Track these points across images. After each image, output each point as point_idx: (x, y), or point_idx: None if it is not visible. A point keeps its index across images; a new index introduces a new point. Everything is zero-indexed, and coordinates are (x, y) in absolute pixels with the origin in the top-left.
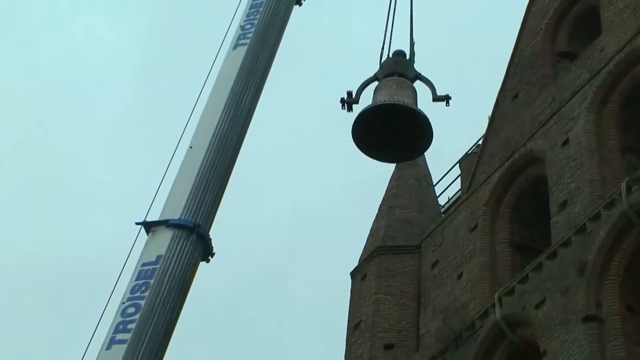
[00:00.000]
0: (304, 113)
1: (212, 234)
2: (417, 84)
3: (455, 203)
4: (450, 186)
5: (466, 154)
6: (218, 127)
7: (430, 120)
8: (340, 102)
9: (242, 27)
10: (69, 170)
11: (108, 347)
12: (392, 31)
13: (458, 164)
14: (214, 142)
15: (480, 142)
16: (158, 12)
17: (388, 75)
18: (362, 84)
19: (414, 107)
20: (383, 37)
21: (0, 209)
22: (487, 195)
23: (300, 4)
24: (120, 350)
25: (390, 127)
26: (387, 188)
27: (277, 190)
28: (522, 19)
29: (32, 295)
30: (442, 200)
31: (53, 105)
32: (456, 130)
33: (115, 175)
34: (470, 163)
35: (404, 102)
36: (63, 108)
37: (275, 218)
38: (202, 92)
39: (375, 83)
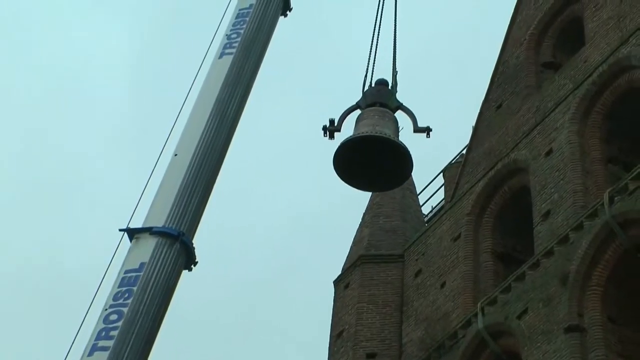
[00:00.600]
0: (298, 118)
1: (199, 241)
2: (399, 114)
3: (439, 212)
4: (434, 195)
5: (450, 163)
6: (203, 136)
7: (410, 152)
8: (323, 129)
9: (228, 36)
10: (70, 172)
11: (90, 354)
12: (375, 58)
13: (442, 174)
14: (199, 151)
15: (464, 151)
16: (158, 13)
17: (370, 105)
18: (344, 112)
19: (395, 139)
20: (367, 64)
21: (1, 210)
22: (471, 204)
23: (285, 15)
24: (102, 357)
25: (371, 157)
26: (370, 197)
27: (272, 195)
28: (506, 29)
29: (32, 296)
30: (425, 210)
31: (54, 106)
32: (440, 139)
33: (116, 176)
34: (454, 172)
35: (385, 134)
36: (63, 109)
37: (270, 224)
38: (188, 99)
39: (357, 111)
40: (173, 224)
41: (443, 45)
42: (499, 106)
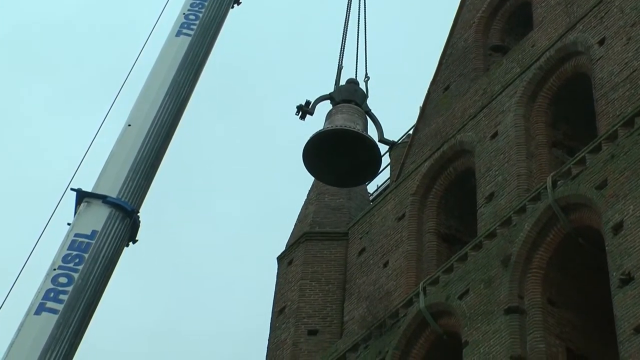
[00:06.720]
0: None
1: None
2: None
3: (384, 192)
4: (380, 175)
5: (396, 143)
6: (159, 114)
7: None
8: (297, 108)
9: (186, 16)
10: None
11: (37, 313)
12: (343, 48)
13: (388, 153)
14: (154, 128)
15: (410, 132)
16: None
17: (346, 101)
18: (319, 98)
19: (373, 139)
20: (339, 50)
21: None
22: (416, 185)
23: (239, 3)
24: (50, 319)
25: (341, 152)
26: None
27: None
28: (456, 11)
29: None
30: (370, 189)
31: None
32: (387, 119)
33: None
34: (400, 152)
35: (365, 134)
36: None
37: (216, 201)
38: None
39: (328, 102)
40: (126, 197)
41: (393, 26)
42: (447, 88)
